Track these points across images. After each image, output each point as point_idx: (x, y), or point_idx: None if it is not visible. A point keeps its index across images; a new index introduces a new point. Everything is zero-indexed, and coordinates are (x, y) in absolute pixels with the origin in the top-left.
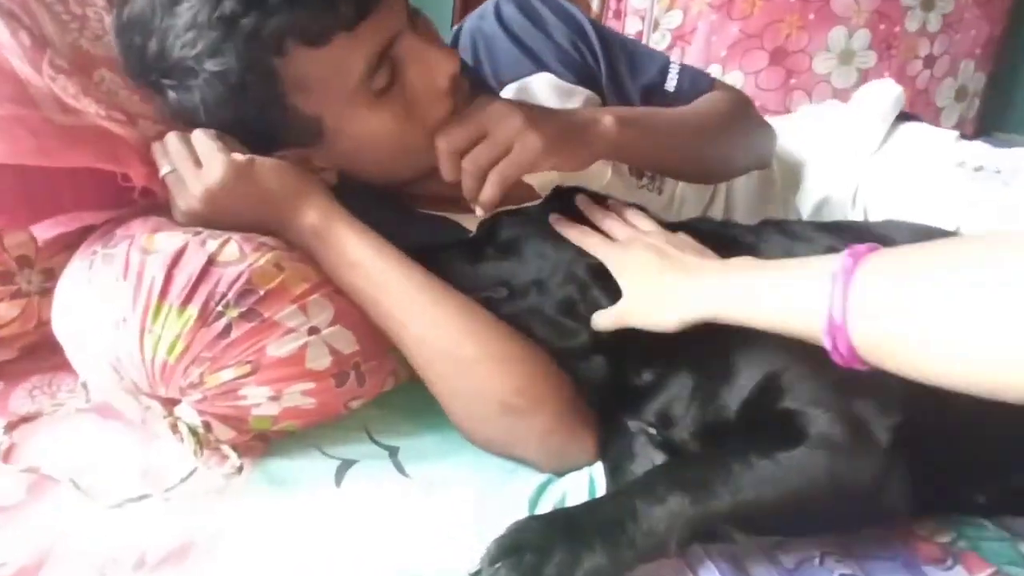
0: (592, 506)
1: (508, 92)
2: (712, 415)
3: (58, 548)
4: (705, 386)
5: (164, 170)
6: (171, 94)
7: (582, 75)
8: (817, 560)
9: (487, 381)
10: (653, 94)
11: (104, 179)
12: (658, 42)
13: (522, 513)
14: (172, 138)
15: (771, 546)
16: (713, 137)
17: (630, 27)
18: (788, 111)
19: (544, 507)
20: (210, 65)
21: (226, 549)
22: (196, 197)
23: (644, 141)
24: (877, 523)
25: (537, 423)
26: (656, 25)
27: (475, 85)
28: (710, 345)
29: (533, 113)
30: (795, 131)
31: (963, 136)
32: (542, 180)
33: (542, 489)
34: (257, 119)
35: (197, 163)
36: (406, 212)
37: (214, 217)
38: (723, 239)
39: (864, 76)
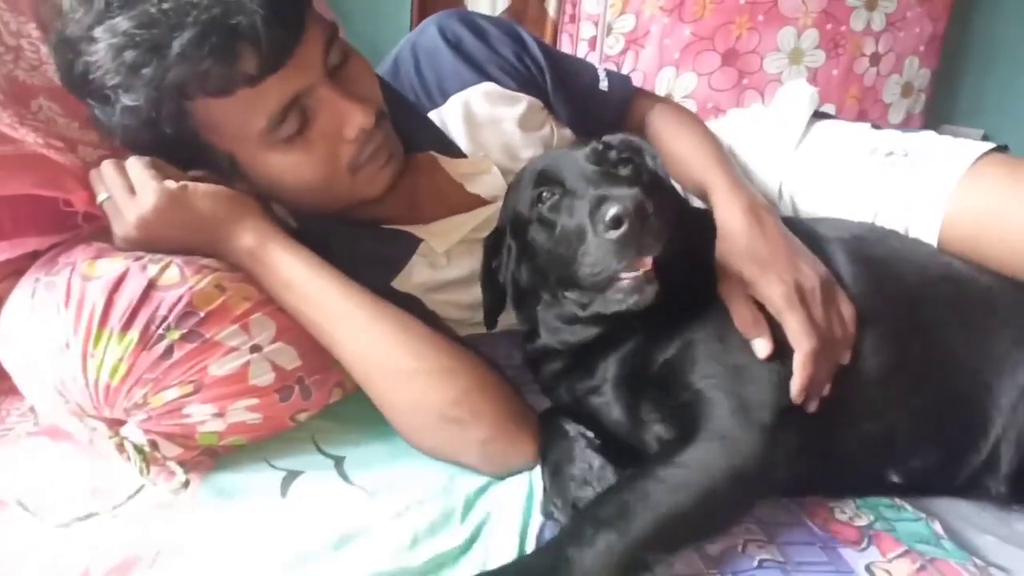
0: (526, 560)
1: (455, 103)
2: (633, 369)
3: (9, 565)
4: (639, 349)
5: (101, 197)
6: (96, 112)
7: (525, 83)
8: (740, 547)
9: (425, 393)
10: (592, 95)
11: (46, 206)
12: (612, 46)
13: (457, 521)
14: (107, 166)
15: None
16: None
17: (584, 32)
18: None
19: (477, 512)
20: (124, 99)
21: (170, 562)
22: (131, 224)
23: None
24: (773, 493)
25: (476, 432)
26: (610, 29)
27: (407, 119)
28: (656, 316)
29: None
30: (724, 132)
31: (874, 126)
32: (487, 186)
33: (479, 493)
34: (175, 148)
35: (132, 190)
36: (364, 225)
37: (150, 243)
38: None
39: (813, 75)
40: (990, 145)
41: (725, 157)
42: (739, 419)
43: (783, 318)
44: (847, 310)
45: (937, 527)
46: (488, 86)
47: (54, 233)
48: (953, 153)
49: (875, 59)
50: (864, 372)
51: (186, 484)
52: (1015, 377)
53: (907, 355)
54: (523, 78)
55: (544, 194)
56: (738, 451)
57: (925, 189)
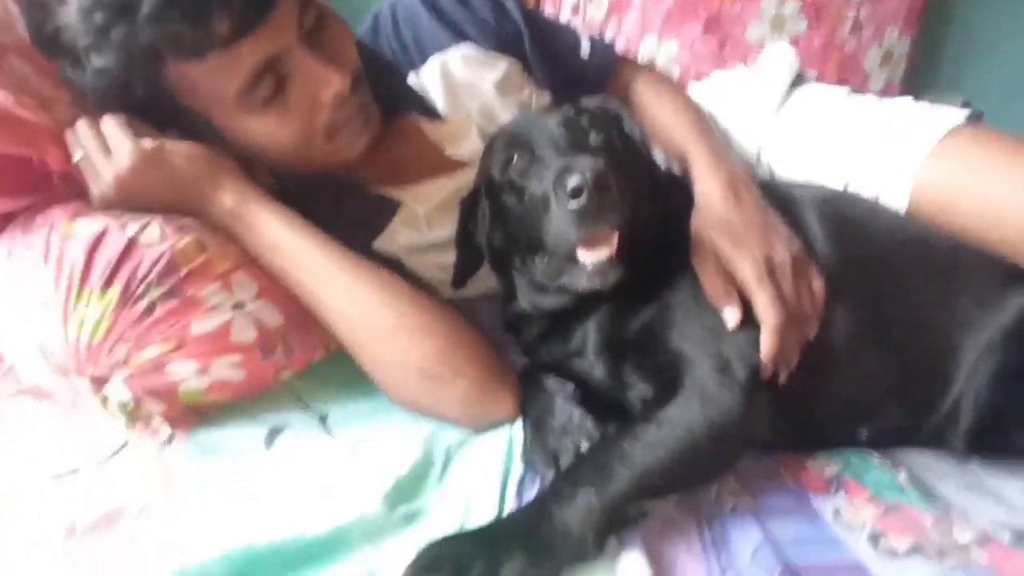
0: (507, 518)
1: (433, 65)
2: (613, 332)
3: None
4: (617, 311)
5: (76, 156)
6: (67, 73)
7: (503, 45)
8: (713, 494)
9: (406, 350)
10: (571, 62)
11: (22, 166)
12: (594, 13)
13: (438, 472)
14: (82, 125)
15: None
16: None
17: None
18: None
19: (458, 463)
20: (95, 61)
21: (155, 514)
22: (108, 184)
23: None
24: (751, 449)
25: (457, 388)
26: None
27: (386, 82)
28: (632, 282)
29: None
30: (705, 96)
31: (853, 91)
32: (466, 149)
33: (460, 446)
34: (149, 110)
35: (107, 150)
36: (344, 188)
37: (128, 203)
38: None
39: (795, 43)
40: (964, 114)
41: (707, 127)
42: (718, 377)
43: (752, 292)
44: (817, 285)
45: (902, 475)
46: (466, 48)
47: (30, 194)
48: (927, 121)
49: (856, 27)
50: (836, 334)
51: (170, 440)
52: (976, 337)
53: (877, 317)
54: (502, 40)
55: (514, 158)
56: (718, 408)
57: (896, 158)
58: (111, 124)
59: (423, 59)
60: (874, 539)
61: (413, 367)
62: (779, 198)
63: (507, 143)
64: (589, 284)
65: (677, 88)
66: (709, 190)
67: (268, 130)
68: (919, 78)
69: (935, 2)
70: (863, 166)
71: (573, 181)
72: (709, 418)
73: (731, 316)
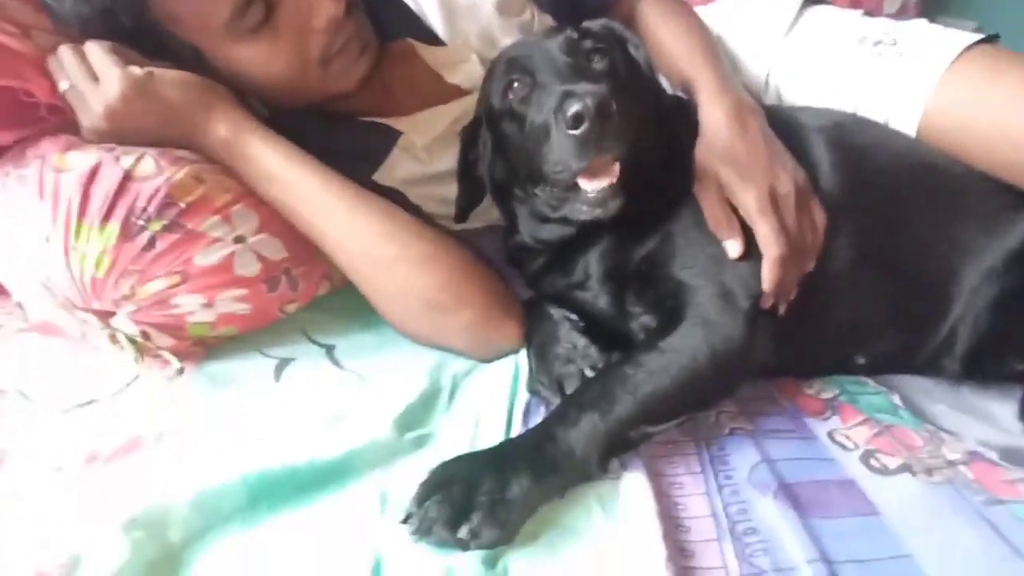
0: (515, 440)
1: None
2: (617, 263)
3: (14, 450)
4: (619, 242)
5: (62, 86)
6: (48, 2)
7: None
8: (713, 418)
9: (408, 281)
10: None
11: (7, 98)
12: None
13: (446, 399)
14: (65, 51)
15: None
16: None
17: None
18: None
19: (465, 390)
20: None
21: (172, 442)
22: (98, 115)
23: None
24: (749, 378)
25: (462, 318)
26: None
27: (382, 6)
28: (632, 212)
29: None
30: (713, 19)
31: (866, 13)
32: (466, 76)
33: (467, 374)
34: (135, 39)
35: (94, 78)
36: (343, 118)
37: (120, 134)
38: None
39: None
40: (979, 36)
41: (714, 52)
42: (720, 304)
43: (754, 223)
44: (819, 217)
45: (895, 399)
46: None
47: (18, 128)
48: (940, 44)
49: None
50: (838, 260)
51: (181, 372)
52: (979, 264)
53: (880, 243)
54: None
55: (515, 84)
56: (720, 334)
57: (908, 80)
58: (96, 51)
59: None
60: (866, 458)
61: (416, 298)
62: (784, 123)
63: (507, 69)
64: (590, 214)
65: (686, 10)
66: (715, 118)
67: (260, 58)
68: (934, 2)
69: None
70: (874, 89)
71: (574, 108)
72: (712, 345)
73: (733, 247)
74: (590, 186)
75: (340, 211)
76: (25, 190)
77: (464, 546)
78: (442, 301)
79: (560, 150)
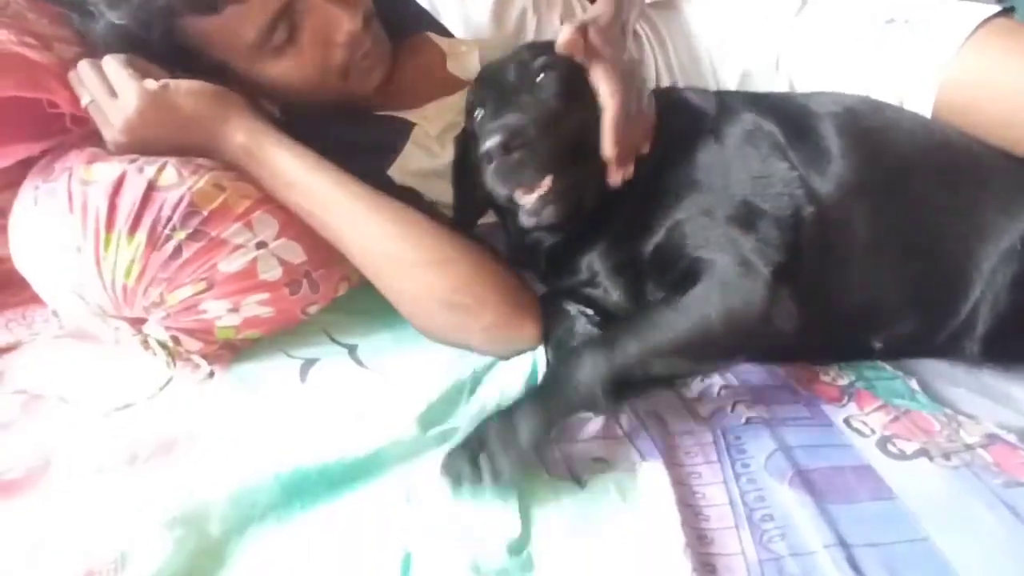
0: (523, 392)
1: None
2: (626, 257)
3: (58, 453)
4: (622, 237)
5: (84, 100)
6: (75, 22)
7: None
8: (729, 408)
9: (427, 283)
10: None
11: (32, 110)
12: None
13: (467, 394)
14: (84, 67)
15: (690, 400)
16: None
17: None
18: None
19: (484, 391)
20: (110, 16)
21: (206, 442)
22: (118, 129)
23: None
24: (772, 344)
25: (481, 318)
26: None
27: (395, 4)
28: (633, 203)
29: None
30: (722, 3)
31: None
32: (464, 67)
33: (486, 370)
34: (163, 58)
35: (113, 93)
36: (358, 113)
37: (141, 145)
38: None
39: None
40: (994, 9)
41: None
42: (740, 270)
43: (602, 85)
44: (649, 110)
45: (913, 383)
46: None
47: (44, 138)
48: (954, 20)
49: None
50: (856, 242)
51: (211, 375)
52: (998, 243)
53: (897, 225)
54: None
55: (476, 109)
56: (737, 296)
57: (922, 58)
58: (114, 65)
59: None
60: (883, 443)
61: (436, 299)
62: (795, 110)
63: (476, 90)
64: (530, 223)
65: None
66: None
67: (283, 73)
68: None
69: None
70: (888, 68)
71: (484, 146)
72: (728, 305)
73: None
74: (523, 199)
75: (358, 215)
76: (55, 203)
77: (492, 482)
78: (461, 302)
79: (488, 177)
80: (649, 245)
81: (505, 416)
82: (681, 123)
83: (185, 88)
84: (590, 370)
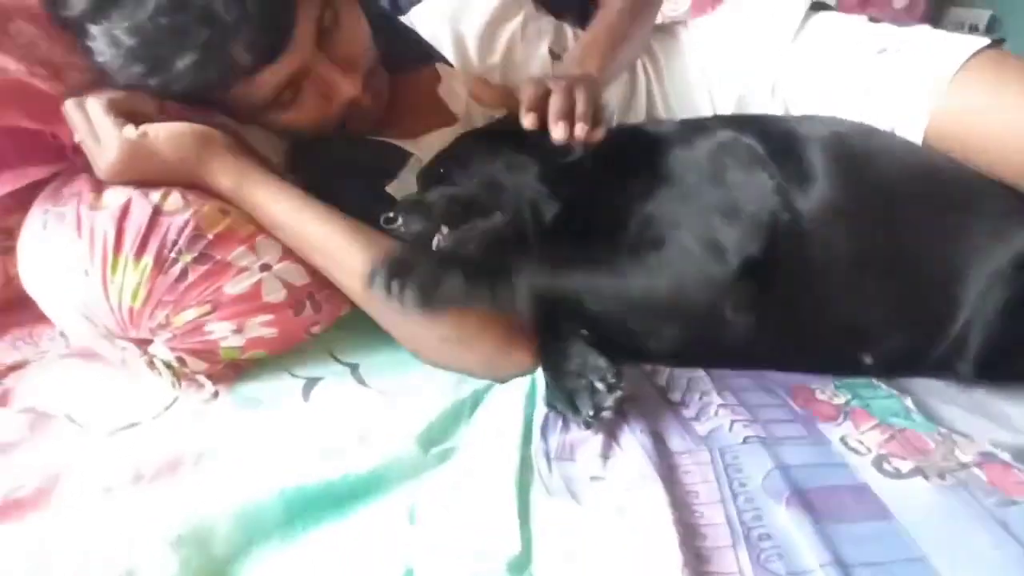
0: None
1: None
2: (606, 252)
3: (65, 472)
4: (606, 241)
5: (76, 137)
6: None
7: None
8: (727, 427)
9: (423, 322)
10: None
11: (41, 137)
12: None
13: (467, 414)
14: (71, 109)
15: (687, 419)
16: (646, 22)
17: None
18: None
19: (486, 405)
20: (126, 72)
21: (211, 462)
22: (103, 171)
23: (616, 62)
24: (716, 336)
25: (476, 349)
26: None
27: (400, 44)
28: (616, 215)
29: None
30: (718, 27)
31: (871, 19)
32: (451, 93)
33: (487, 389)
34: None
35: (97, 137)
36: (355, 139)
37: (130, 183)
38: (648, 140)
39: None
40: (984, 42)
41: (616, 32)
42: (708, 250)
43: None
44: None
45: (908, 402)
46: None
47: (52, 163)
48: (945, 51)
49: None
50: (839, 259)
51: (215, 395)
52: (986, 266)
53: (882, 245)
54: None
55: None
56: (696, 269)
57: (913, 87)
58: (96, 110)
59: None
60: (879, 462)
61: (431, 335)
62: (780, 130)
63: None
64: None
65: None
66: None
67: (288, 120)
68: None
69: None
70: (880, 96)
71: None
72: (683, 274)
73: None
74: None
75: (349, 256)
76: (64, 227)
77: (398, 302)
78: (456, 336)
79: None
80: (625, 240)
81: (445, 260)
82: (645, 140)
83: (165, 134)
84: (530, 270)
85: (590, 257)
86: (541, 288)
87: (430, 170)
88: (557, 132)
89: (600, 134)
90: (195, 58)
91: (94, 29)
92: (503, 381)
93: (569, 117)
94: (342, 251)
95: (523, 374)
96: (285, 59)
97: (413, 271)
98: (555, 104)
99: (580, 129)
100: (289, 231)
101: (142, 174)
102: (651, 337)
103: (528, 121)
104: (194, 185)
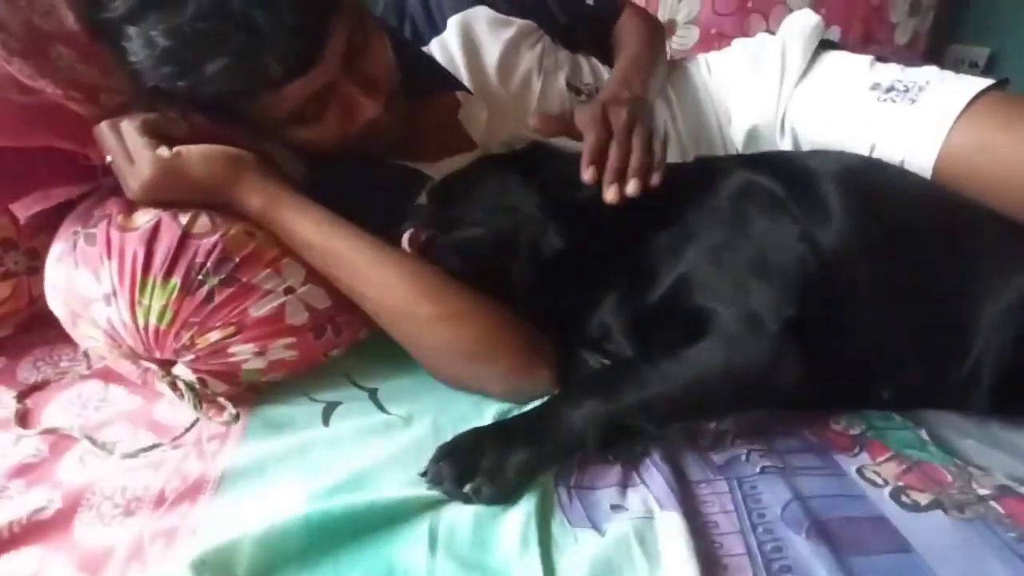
0: (522, 416)
1: (452, 26)
2: (635, 312)
3: (87, 493)
4: (631, 294)
5: (108, 159)
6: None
7: (520, 7)
8: (744, 456)
9: (446, 335)
10: (579, 6)
11: (72, 157)
12: None
13: None
14: (104, 131)
15: (705, 448)
16: (664, 50)
17: None
18: (745, 35)
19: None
20: (157, 73)
21: (233, 484)
22: (135, 191)
23: (655, 87)
24: (773, 403)
25: (499, 367)
26: None
27: (421, 70)
28: (635, 262)
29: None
30: (728, 63)
31: (878, 59)
32: (471, 119)
33: (505, 414)
34: (187, 103)
35: (130, 158)
36: (374, 163)
37: (161, 205)
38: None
39: None
40: (988, 82)
41: (643, 60)
42: (747, 325)
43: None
44: (657, 144)
45: (923, 434)
46: (483, 10)
47: (84, 182)
48: (950, 91)
49: None
50: (858, 296)
51: (236, 417)
52: (997, 299)
53: (899, 280)
54: (518, 2)
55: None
56: (742, 353)
57: (921, 127)
58: (130, 131)
59: (444, 22)
60: (896, 494)
61: (454, 350)
62: (794, 168)
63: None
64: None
65: (651, 26)
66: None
67: (302, 137)
68: (947, 28)
69: None
70: (888, 135)
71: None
72: (731, 361)
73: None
74: None
75: (376, 274)
76: (93, 248)
77: (467, 500)
78: (479, 352)
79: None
80: (655, 297)
81: (501, 438)
82: (670, 183)
83: (197, 155)
84: (586, 414)
85: (639, 372)
86: (603, 421)
87: (442, 188)
88: (610, 195)
89: (656, 180)
90: (227, 63)
91: (131, 30)
92: (522, 402)
93: (624, 171)
94: (370, 264)
95: (543, 394)
96: (313, 74)
97: (478, 466)
98: (613, 160)
99: (633, 188)
100: (317, 248)
101: (175, 194)
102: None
103: (588, 176)
104: (224, 205)
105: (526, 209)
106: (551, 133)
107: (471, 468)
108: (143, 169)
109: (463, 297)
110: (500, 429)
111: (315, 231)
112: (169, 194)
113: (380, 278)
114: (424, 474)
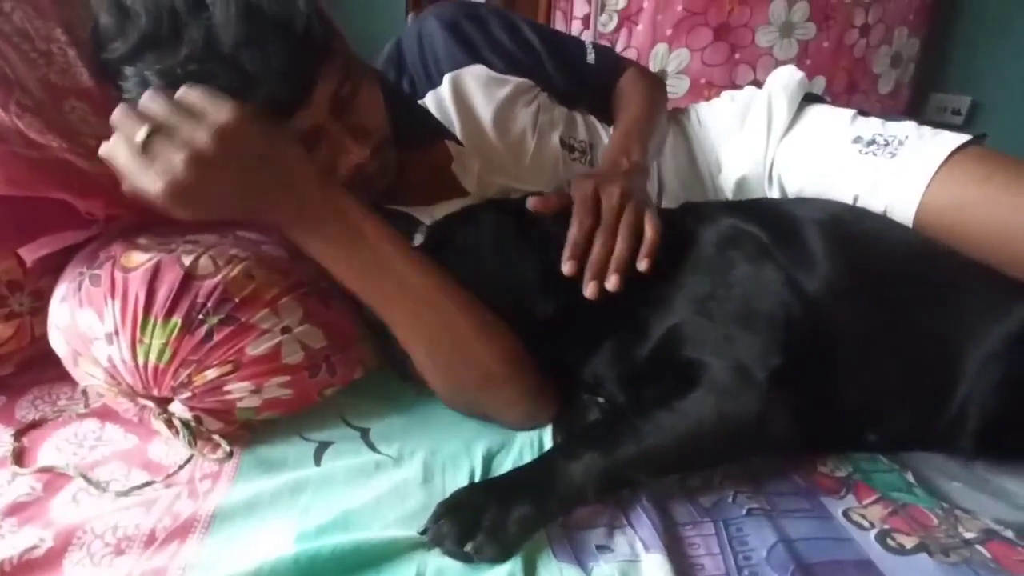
0: (521, 470)
1: (447, 82)
2: (628, 365)
3: (78, 532)
4: (622, 347)
5: (141, 135)
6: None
7: (516, 66)
8: (730, 498)
9: (480, 350)
10: (580, 67)
11: (71, 207)
12: (606, 23)
13: (479, 477)
14: (152, 96)
15: (692, 490)
16: (665, 106)
17: (578, 9)
18: (734, 85)
19: (495, 470)
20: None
21: (223, 524)
22: (197, 145)
23: (654, 148)
24: (765, 451)
25: (515, 387)
26: (603, 7)
27: (413, 120)
28: (625, 313)
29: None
30: (717, 115)
31: (860, 113)
32: (464, 170)
33: (496, 452)
34: None
35: (192, 116)
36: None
37: (201, 185)
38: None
39: (804, 48)
40: (966, 138)
41: (643, 121)
42: (737, 376)
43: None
44: (650, 230)
45: (909, 476)
46: (479, 68)
47: (83, 228)
48: (929, 146)
49: (865, 30)
50: (843, 342)
51: (230, 455)
52: (981, 345)
53: (884, 326)
54: (515, 60)
55: None
56: (733, 404)
57: (900, 182)
58: (196, 90)
59: (440, 77)
60: (882, 537)
61: (479, 366)
62: (782, 216)
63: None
64: None
65: (652, 84)
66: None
67: None
68: (928, 78)
69: (944, 1)
70: (870, 188)
71: None
72: (722, 412)
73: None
74: None
75: (416, 285)
76: (98, 289)
77: (468, 559)
78: (500, 371)
79: None
80: (646, 350)
81: (502, 494)
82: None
83: (290, 135)
84: (585, 468)
85: (636, 425)
86: (602, 473)
87: (439, 229)
88: (588, 291)
89: (644, 266)
90: None
91: (128, 70)
92: (525, 428)
93: (606, 263)
94: (414, 271)
95: (545, 422)
96: (299, 117)
97: (479, 523)
98: (595, 253)
99: (613, 284)
100: (371, 244)
101: (239, 157)
102: None
103: (567, 269)
104: (269, 187)
105: (521, 268)
106: (550, 213)
107: (472, 526)
108: (223, 110)
109: (490, 312)
110: (500, 484)
111: (370, 220)
112: (238, 155)
113: (422, 290)
114: (424, 532)
